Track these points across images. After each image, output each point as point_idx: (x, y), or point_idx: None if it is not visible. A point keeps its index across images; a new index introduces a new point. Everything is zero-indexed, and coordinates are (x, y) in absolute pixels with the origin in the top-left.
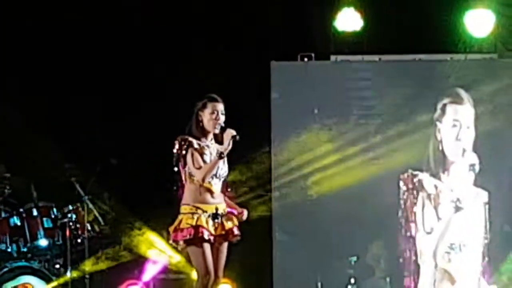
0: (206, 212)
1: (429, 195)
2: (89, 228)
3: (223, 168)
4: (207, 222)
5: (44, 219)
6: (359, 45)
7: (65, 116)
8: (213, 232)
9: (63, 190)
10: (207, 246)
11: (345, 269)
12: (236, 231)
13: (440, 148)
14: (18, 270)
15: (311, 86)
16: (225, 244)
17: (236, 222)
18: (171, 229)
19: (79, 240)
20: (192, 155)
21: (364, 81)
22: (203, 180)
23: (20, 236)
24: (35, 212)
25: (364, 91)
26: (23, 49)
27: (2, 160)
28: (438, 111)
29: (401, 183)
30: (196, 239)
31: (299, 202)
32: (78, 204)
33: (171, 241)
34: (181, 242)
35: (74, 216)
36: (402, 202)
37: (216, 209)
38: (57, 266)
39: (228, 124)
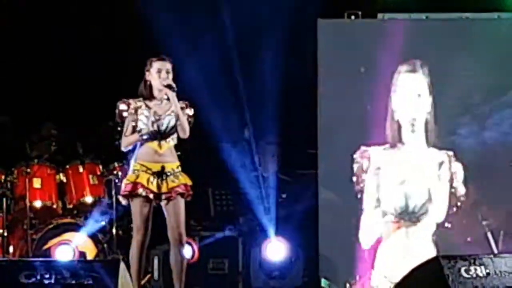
0: (150, 169)
1: (378, 169)
2: None
3: (168, 126)
4: (148, 180)
5: (90, 176)
6: (406, 3)
7: (112, 73)
8: (154, 189)
9: (109, 147)
10: (145, 204)
11: None
12: (181, 190)
13: (396, 118)
14: (63, 226)
15: (357, 45)
16: (178, 203)
17: (183, 181)
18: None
19: None
20: (128, 122)
21: (411, 40)
22: (124, 148)
23: (66, 193)
24: (81, 169)
25: (411, 50)
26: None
27: (49, 118)
28: (393, 82)
29: (354, 160)
30: (132, 195)
31: (345, 160)
32: (124, 161)
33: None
34: (120, 197)
35: (119, 173)
36: (354, 178)
37: (163, 167)
38: (103, 223)
39: (274, 83)
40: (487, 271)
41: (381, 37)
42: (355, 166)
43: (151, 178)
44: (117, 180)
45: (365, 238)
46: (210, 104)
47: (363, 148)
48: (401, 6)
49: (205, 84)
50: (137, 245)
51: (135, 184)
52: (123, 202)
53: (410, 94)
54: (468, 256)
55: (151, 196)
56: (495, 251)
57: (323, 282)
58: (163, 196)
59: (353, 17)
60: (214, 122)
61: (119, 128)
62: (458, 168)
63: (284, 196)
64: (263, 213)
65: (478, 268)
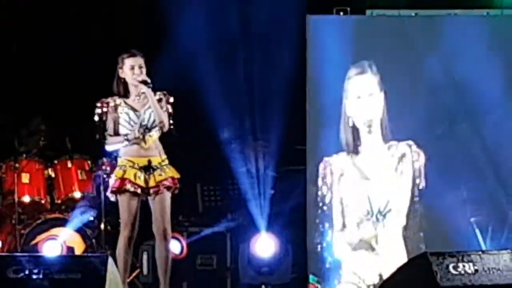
0: (137, 164)
1: (341, 175)
2: None
3: (149, 119)
4: (135, 175)
5: (79, 171)
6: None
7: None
8: (142, 184)
9: (98, 142)
10: (132, 199)
11: None
12: (168, 183)
13: (351, 123)
14: (51, 221)
15: (346, 41)
16: (164, 197)
17: (171, 174)
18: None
19: None
20: (110, 121)
21: (400, 36)
22: (110, 149)
23: (54, 188)
24: (69, 165)
25: (400, 47)
26: None
27: (38, 112)
28: (344, 87)
29: (319, 173)
30: (120, 191)
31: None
32: (113, 157)
33: (108, 193)
34: (109, 194)
35: (108, 169)
36: (319, 187)
37: (149, 161)
38: (91, 218)
39: (263, 78)
40: (476, 267)
41: (369, 34)
42: (320, 179)
43: (138, 173)
44: (105, 176)
45: (338, 252)
46: (200, 100)
47: (325, 159)
48: (390, 3)
49: (196, 81)
50: (124, 241)
51: (122, 180)
52: (112, 198)
53: (362, 96)
54: (457, 253)
55: (139, 191)
56: (483, 247)
57: (311, 278)
58: (151, 191)
59: (341, 13)
60: (203, 117)
61: (97, 133)
62: (420, 156)
63: (272, 192)
64: (251, 209)
65: (466, 264)
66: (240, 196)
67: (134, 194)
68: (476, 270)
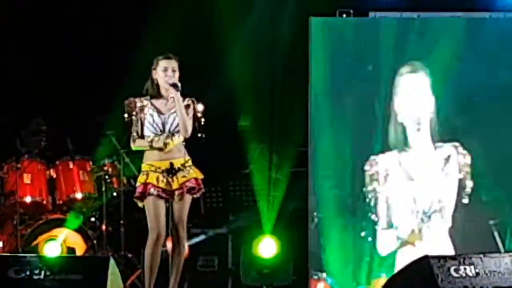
0: (159, 168)
1: (387, 175)
2: (125, 181)
3: (173, 124)
4: (157, 178)
5: (80, 172)
6: (398, 2)
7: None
8: (165, 187)
9: (100, 143)
10: (156, 203)
11: None
12: (191, 184)
13: (399, 120)
14: (53, 222)
15: (349, 43)
16: (184, 200)
17: (194, 175)
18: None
19: (114, 194)
20: (136, 121)
21: (402, 39)
22: (135, 148)
23: (56, 189)
24: (71, 165)
25: (402, 49)
26: None
27: (39, 113)
28: (394, 84)
29: (365, 170)
30: (144, 196)
31: (336, 157)
32: (114, 158)
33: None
34: (136, 200)
35: (110, 170)
36: (367, 187)
37: (171, 164)
38: (92, 219)
39: (266, 80)
40: (477, 270)
41: (372, 36)
42: (367, 177)
43: (161, 177)
44: (107, 177)
45: (383, 250)
46: (202, 102)
47: (372, 157)
48: (393, 5)
49: (198, 84)
50: (150, 244)
51: (145, 185)
52: (140, 204)
53: (413, 94)
54: (458, 256)
55: (163, 194)
56: (502, 250)
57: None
58: (176, 193)
59: (344, 15)
60: (205, 119)
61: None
62: (466, 157)
63: (274, 193)
64: (253, 210)
65: (467, 267)
66: (242, 198)
67: (159, 197)
68: (477, 273)
